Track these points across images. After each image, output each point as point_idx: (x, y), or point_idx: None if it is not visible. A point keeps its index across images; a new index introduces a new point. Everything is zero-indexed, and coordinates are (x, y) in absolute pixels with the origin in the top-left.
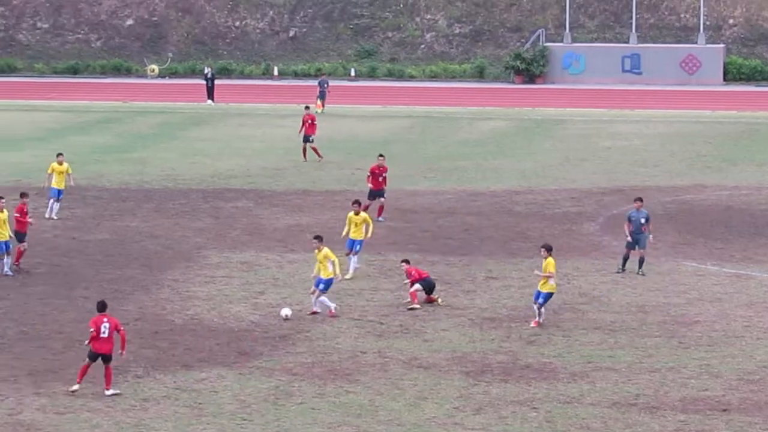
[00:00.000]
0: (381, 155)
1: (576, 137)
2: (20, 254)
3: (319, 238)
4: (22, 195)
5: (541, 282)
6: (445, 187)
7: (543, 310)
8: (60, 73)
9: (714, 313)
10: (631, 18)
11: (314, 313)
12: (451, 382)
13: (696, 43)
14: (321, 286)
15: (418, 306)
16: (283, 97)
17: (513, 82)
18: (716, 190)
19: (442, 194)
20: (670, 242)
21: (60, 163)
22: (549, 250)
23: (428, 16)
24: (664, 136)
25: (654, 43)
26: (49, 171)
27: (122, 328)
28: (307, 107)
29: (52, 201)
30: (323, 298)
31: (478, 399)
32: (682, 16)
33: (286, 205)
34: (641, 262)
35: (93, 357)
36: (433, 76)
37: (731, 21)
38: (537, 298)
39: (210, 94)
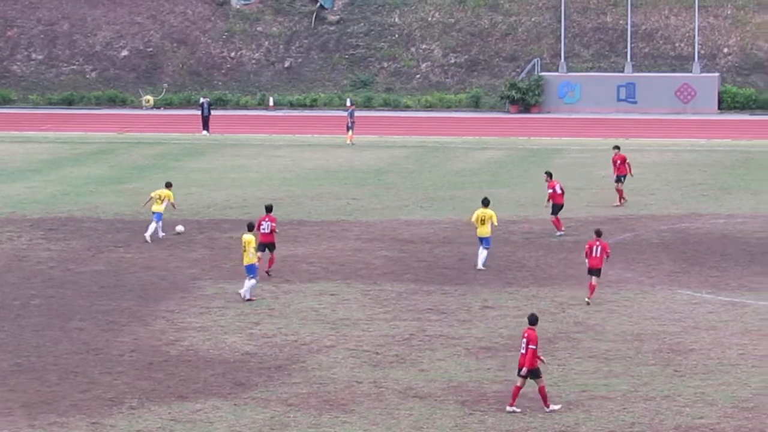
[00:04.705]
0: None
1: (572, 166)
2: None
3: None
4: None
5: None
6: (442, 217)
7: None
8: (55, 104)
9: (709, 341)
10: (626, 47)
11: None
12: (446, 412)
13: (691, 72)
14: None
15: None
16: (279, 128)
17: (508, 112)
18: (711, 219)
19: (438, 224)
20: (666, 270)
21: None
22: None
23: (423, 46)
24: (659, 164)
25: (649, 72)
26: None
27: None
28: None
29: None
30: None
31: (474, 428)
32: (677, 45)
33: (282, 236)
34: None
35: None
36: (429, 106)
37: (726, 50)
38: None
39: (205, 125)
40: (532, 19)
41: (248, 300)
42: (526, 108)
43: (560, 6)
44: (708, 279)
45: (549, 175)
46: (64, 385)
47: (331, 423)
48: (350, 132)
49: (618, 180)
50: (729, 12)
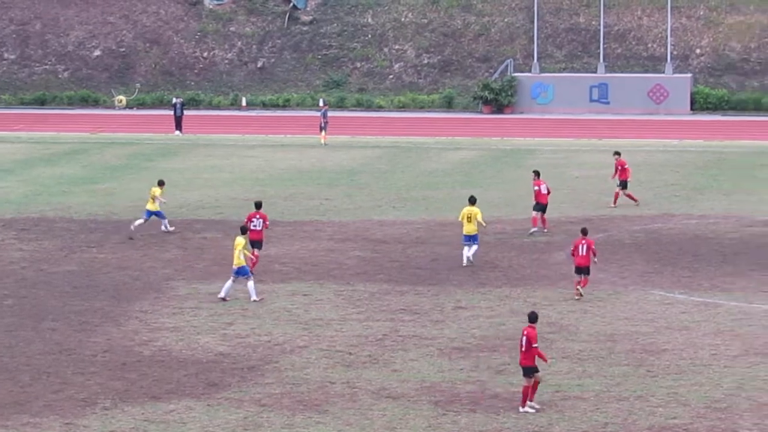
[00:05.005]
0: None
1: (544, 167)
2: None
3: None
4: None
5: None
6: (414, 217)
7: None
8: (27, 104)
9: (682, 341)
10: (599, 48)
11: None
12: (419, 412)
13: (663, 72)
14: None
15: None
16: (252, 128)
17: (481, 112)
18: (684, 219)
19: (411, 224)
20: (638, 271)
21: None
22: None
23: (396, 47)
24: (631, 165)
25: (622, 72)
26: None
27: None
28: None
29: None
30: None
31: (447, 429)
32: (650, 45)
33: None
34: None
35: None
36: (402, 107)
37: (698, 51)
38: None
39: (178, 125)
40: (505, 20)
41: (255, 300)
42: (499, 108)
43: (533, 7)
44: (680, 279)
45: (536, 173)
46: (36, 386)
47: (304, 423)
48: (323, 132)
49: (622, 185)
50: (702, 13)
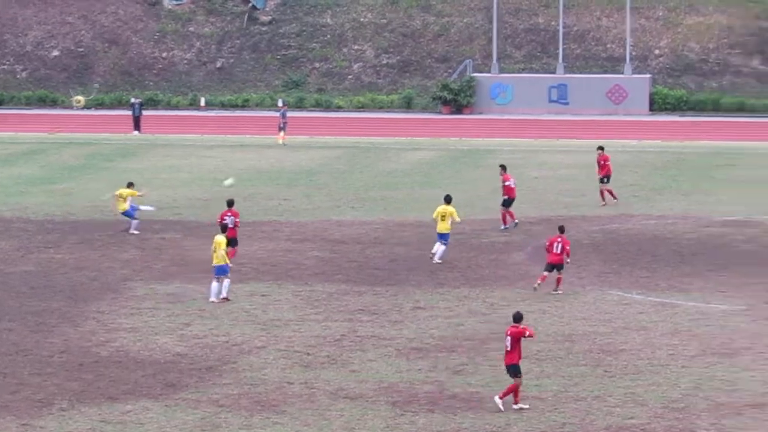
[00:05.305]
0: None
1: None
2: None
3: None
4: None
5: None
6: (373, 218)
7: None
8: None
9: (639, 341)
10: (558, 48)
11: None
12: (377, 413)
13: (622, 73)
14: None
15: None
16: (210, 128)
17: (440, 113)
18: (642, 219)
19: (370, 224)
20: (596, 271)
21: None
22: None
23: (356, 47)
24: (590, 165)
25: (581, 73)
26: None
27: None
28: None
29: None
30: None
31: (405, 429)
32: (609, 46)
33: (213, 237)
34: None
35: None
36: (361, 107)
37: (657, 51)
38: None
39: (137, 125)
40: (465, 20)
41: (224, 299)
42: (458, 109)
43: (492, 7)
44: (638, 280)
45: (503, 168)
46: None
47: (262, 424)
48: (282, 132)
49: (602, 181)
50: (660, 14)
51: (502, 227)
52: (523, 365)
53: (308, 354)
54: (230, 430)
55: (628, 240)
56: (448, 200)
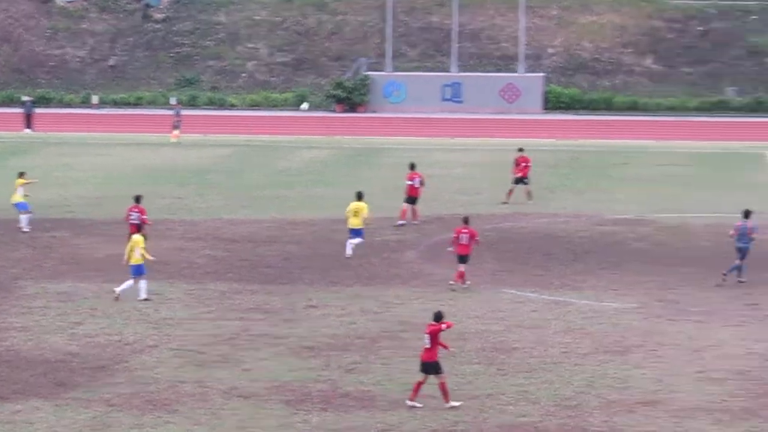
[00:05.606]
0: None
1: (397, 166)
2: None
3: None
4: None
5: None
6: (266, 216)
7: None
8: None
9: (532, 339)
10: (452, 47)
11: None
12: (270, 412)
13: (516, 72)
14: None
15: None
16: (104, 126)
17: (334, 111)
18: (536, 218)
19: (262, 223)
20: (490, 270)
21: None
22: None
23: (250, 45)
24: (485, 164)
25: (474, 72)
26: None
27: None
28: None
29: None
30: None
31: (298, 428)
32: (503, 45)
33: (105, 235)
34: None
35: None
36: (255, 105)
37: (551, 50)
38: None
39: (28, 123)
40: (359, 19)
41: (145, 299)
42: (352, 107)
43: (386, 6)
44: (532, 278)
45: (411, 166)
46: None
47: (153, 423)
48: (176, 131)
49: (518, 182)
50: (554, 13)
51: (399, 222)
52: (415, 364)
53: (201, 353)
54: (121, 429)
55: (521, 238)
56: (359, 197)
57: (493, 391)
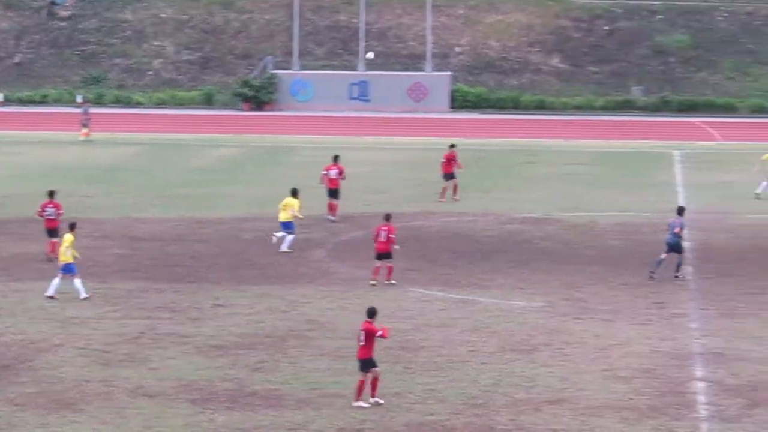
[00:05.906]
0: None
1: (305, 164)
2: None
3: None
4: None
5: None
6: (173, 215)
7: None
8: None
9: (439, 338)
10: (359, 46)
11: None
12: (176, 411)
13: (423, 71)
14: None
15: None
16: (9, 124)
17: (241, 110)
18: (444, 217)
19: (170, 221)
20: (397, 268)
21: None
22: None
23: (156, 43)
24: (392, 163)
25: (382, 70)
26: None
27: None
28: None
29: None
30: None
31: (204, 427)
32: (410, 44)
33: (11, 234)
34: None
35: None
36: (161, 103)
37: (458, 49)
38: None
39: None
40: (266, 17)
41: (85, 298)
42: (259, 106)
43: (293, 4)
44: (439, 277)
45: (335, 158)
46: None
47: (59, 423)
48: (85, 129)
49: (447, 177)
50: (461, 12)
51: (331, 218)
52: (323, 362)
53: (107, 352)
54: (27, 429)
55: (429, 237)
56: (293, 193)
57: (400, 390)
